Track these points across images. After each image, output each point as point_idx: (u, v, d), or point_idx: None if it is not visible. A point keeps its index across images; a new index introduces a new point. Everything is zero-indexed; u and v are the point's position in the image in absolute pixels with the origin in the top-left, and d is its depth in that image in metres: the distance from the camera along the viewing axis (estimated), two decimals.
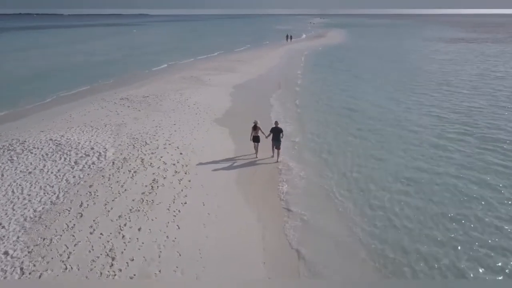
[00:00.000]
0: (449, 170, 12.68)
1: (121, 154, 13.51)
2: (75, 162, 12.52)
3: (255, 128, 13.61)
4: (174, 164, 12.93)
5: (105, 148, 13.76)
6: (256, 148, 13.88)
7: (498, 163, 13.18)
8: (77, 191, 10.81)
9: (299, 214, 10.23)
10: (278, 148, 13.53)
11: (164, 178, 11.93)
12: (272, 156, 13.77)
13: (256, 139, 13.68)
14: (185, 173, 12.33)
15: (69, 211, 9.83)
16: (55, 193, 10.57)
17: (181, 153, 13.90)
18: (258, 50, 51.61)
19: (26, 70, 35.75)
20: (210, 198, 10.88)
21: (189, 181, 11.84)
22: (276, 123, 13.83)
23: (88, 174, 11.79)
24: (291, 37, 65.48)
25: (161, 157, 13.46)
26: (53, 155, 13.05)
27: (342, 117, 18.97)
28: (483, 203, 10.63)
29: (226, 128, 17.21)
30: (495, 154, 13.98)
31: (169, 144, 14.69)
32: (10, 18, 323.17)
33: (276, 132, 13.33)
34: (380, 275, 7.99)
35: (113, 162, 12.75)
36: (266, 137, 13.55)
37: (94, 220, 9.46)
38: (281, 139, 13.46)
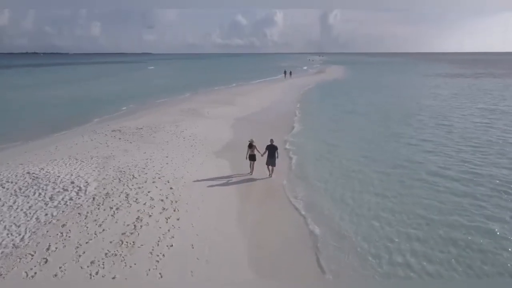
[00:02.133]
0: (459, 219, 10.71)
1: (104, 188, 12.13)
2: (50, 198, 11.11)
3: (251, 146, 14.00)
4: (162, 200, 11.53)
5: (86, 182, 12.40)
6: (251, 167, 14.25)
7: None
8: (47, 231, 9.33)
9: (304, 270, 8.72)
10: (273, 165, 13.89)
11: (150, 216, 10.48)
12: (269, 175, 14.02)
13: (252, 158, 14.08)
14: (174, 210, 10.90)
15: (32, 255, 8.32)
16: (20, 234, 9.10)
17: (171, 188, 12.53)
18: (258, 85, 51.64)
19: (22, 104, 35.05)
20: (201, 240, 9.40)
21: (178, 219, 10.40)
22: (271, 141, 14.09)
23: (62, 212, 10.35)
24: (290, 73, 65.98)
25: (149, 192, 12.08)
26: (27, 189, 11.67)
27: (340, 155, 17.09)
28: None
29: (222, 160, 16.04)
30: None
31: (159, 178, 13.35)
32: (17, 57, 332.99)
33: (272, 150, 13.72)
34: None
35: (93, 198, 11.35)
36: (262, 155, 13.91)
37: (60, 267, 7.94)
38: (277, 157, 13.86)
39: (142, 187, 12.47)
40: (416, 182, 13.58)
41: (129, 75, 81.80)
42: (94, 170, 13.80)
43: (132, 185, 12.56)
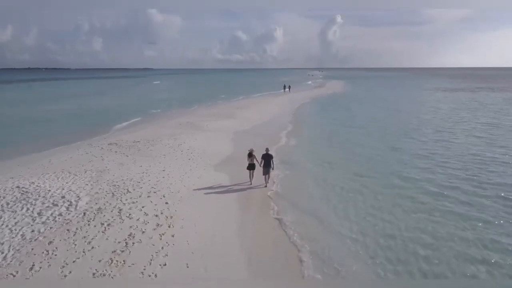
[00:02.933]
0: (463, 246, 9.62)
1: (96, 203, 11.59)
2: (39, 213, 10.56)
3: (251, 155, 14.08)
4: (157, 216, 10.97)
5: (78, 197, 11.87)
6: (251, 176, 14.27)
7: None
8: (32, 249, 8.76)
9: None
10: (268, 173, 13.98)
11: (143, 232, 9.92)
12: (265, 186, 13.96)
13: (251, 167, 14.14)
14: (169, 226, 10.34)
15: (14, 275, 7.74)
16: (3, 252, 8.52)
17: (166, 203, 11.99)
18: (259, 99, 51.60)
19: (21, 119, 34.54)
20: (196, 258, 8.81)
21: (173, 236, 9.83)
22: (267, 149, 14.32)
23: (50, 228, 9.79)
24: (289, 87, 66.07)
25: (143, 207, 11.53)
26: (14, 204, 11.13)
27: (335, 170, 16.50)
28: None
29: (220, 173, 15.53)
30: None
31: (154, 192, 12.81)
32: (19, 72, 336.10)
33: (267, 158, 13.88)
34: None
35: (84, 213, 10.80)
36: (260, 165, 14.00)
37: None
38: (272, 165, 14.03)
39: (136, 201, 11.93)
40: (416, 204, 12.43)
41: (136, 90, 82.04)
42: (87, 184, 13.28)
43: (126, 200, 12.03)
